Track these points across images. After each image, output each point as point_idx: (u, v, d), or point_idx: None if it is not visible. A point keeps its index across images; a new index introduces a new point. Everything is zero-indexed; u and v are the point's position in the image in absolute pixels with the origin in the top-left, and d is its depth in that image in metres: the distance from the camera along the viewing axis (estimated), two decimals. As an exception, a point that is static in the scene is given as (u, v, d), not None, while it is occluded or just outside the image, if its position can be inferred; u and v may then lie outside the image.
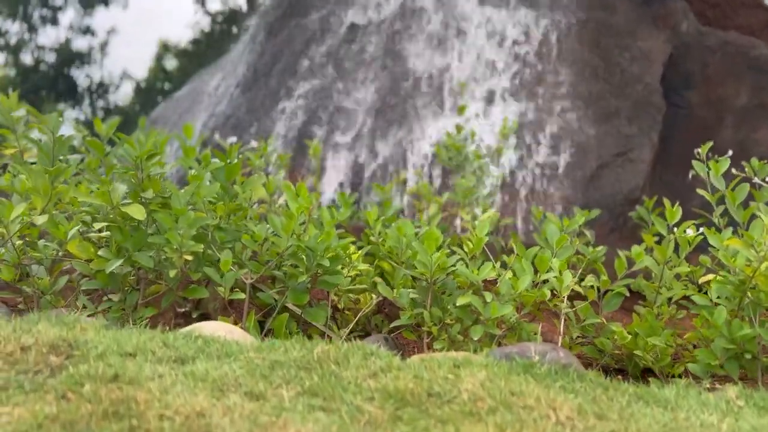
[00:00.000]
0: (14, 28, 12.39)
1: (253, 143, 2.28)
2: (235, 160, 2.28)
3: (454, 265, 1.84)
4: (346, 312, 2.31)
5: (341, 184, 5.23)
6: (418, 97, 5.59)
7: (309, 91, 5.87)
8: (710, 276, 2.36)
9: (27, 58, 12.24)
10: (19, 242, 1.90)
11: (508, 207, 4.67)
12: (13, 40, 12.20)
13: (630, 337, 1.98)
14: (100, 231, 1.85)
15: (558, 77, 5.79)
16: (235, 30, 15.54)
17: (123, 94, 15.06)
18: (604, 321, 2.06)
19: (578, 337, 2.19)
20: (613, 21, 6.19)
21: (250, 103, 6.02)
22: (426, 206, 2.80)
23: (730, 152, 2.93)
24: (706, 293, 2.22)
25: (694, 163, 2.71)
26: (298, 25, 6.47)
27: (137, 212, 1.76)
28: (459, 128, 2.83)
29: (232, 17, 15.59)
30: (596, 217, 5.18)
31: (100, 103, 12.57)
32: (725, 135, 5.88)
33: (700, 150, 2.75)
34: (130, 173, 1.89)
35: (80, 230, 1.93)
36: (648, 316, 2.11)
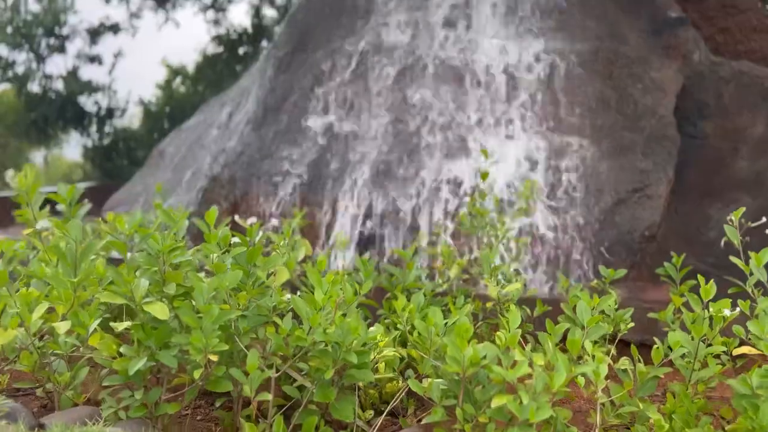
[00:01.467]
0: (21, 57, 12.49)
1: (274, 221, 2.25)
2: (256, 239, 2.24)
3: (485, 357, 1.78)
4: (370, 391, 2.25)
5: (354, 225, 5.18)
6: (429, 135, 5.55)
7: (320, 129, 5.84)
8: (745, 348, 2.29)
9: (35, 87, 12.32)
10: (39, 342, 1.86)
11: (524, 249, 4.61)
12: (20, 69, 12.30)
13: (667, 426, 1.91)
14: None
15: (571, 110, 5.74)
16: (242, 50, 15.58)
17: (131, 116, 15.15)
18: (641, 406, 1.99)
19: (612, 426, 2.13)
20: (625, 50, 6.16)
21: (260, 141, 6.00)
22: (446, 267, 2.75)
23: (764, 219, 2.86)
24: (741, 371, 2.15)
25: (727, 228, 2.63)
26: (307, 60, 6.45)
27: (160, 312, 1.72)
28: (483, 194, 2.78)
29: (239, 40, 15.65)
30: (614, 254, 5.13)
31: (108, 129, 12.62)
32: (741, 166, 5.82)
33: (732, 216, 2.67)
34: (152, 269, 1.85)
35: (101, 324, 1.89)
36: (684, 398, 2.04)
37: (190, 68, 20.47)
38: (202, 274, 2.06)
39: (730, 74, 5.89)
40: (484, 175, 2.84)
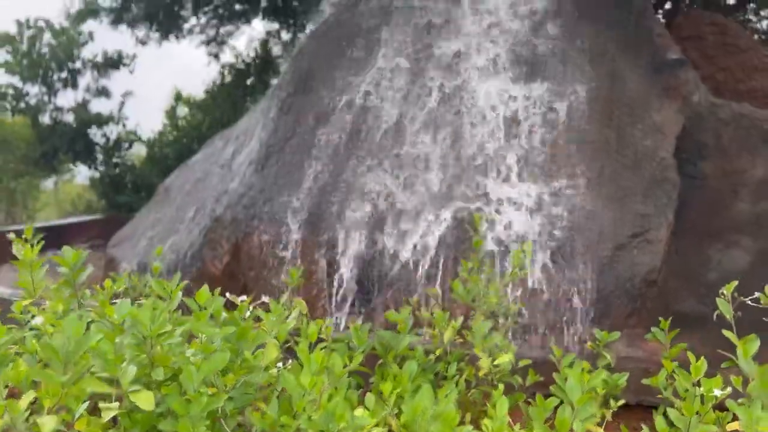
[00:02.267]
0: (34, 90, 12.73)
1: (264, 298, 2.26)
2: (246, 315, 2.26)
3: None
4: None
5: (352, 273, 5.20)
6: (428, 179, 5.59)
7: (321, 172, 5.89)
8: (736, 424, 2.28)
9: (45, 119, 12.52)
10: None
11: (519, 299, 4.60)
12: (32, 101, 12.51)
13: None
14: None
15: (571, 153, 5.76)
16: (249, 81, 15.75)
17: (139, 146, 15.30)
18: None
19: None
20: (625, 92, 6.20)
21: (263, 182, 6.05)
22: (440, 330, 2.75)
23: (756, 294, 2.84)
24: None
25: (719, 302, 2.63)
26: (310, 101, 6.54)
27: (146, 402, 1.74)
28: (476, 261, 2.79)
29: (246, 71, 15.84)
30: (614, 300, 5.10)
31: (116, 159, 12.78)
32: (741, 208, 5.82)
33: (725, 290, 2.66)
34: (140, 355, 1.87)
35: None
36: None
37: (198, 95, 20.73)
38: (190, 352, 2.07)
39: (730, 116, 5.91)
40: (477, 243, 2.87)
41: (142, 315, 1.92)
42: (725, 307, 2.59)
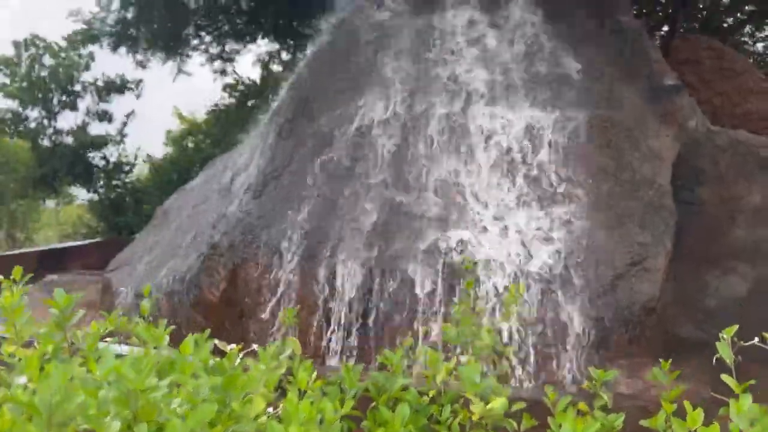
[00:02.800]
0: (33, 114, 12.78)
1: (254, 346, 2.24)
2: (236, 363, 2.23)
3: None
4: None
5: (349, 302, 5.17)
6: (426, 207, 5.58)
7: (319, 199, 5.88)
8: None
9: (45, 141, 12.55)
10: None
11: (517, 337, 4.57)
12: (32, 125, 12.56)
13: None
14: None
15: (569, 179, 5.76)
16: (250, 102, 15.80)
17: (140, 167, 15.34)
18: None
19: None
20: (622, 118, 6.21)
21: (260, 209, 6.05)
22: (434, 372, 2.71)
23: (756, 340, 2.80)
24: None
25: (719, 345, 2.59)
26: (307, 128, 6.55)
27: (128, 462, 1.71)
28: (467, 302, 2.78)
29: (247, 92, 15.89)
30: (613, 329, 5.06)
31: (116, 182, 12.79)
32: (738, 234, 5.80)
33: (725, 334, 2.63)
34: (124, 412, 1.85)
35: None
36: None
37: (199, 116, 20.79)
38: (176, 402, 2.04)
39: (727, 143, 5.91)
40: (469, 284, 2.84)
41: (125, 369, 1.90)
42: (725, 351, 2.55)
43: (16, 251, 9.80)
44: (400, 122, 6.25)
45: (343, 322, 5.38)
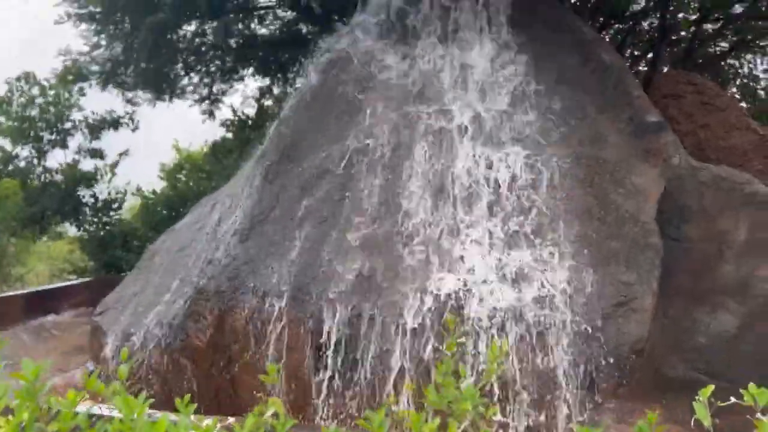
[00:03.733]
0: (24, 153, 12.81)
1: (230, 420, 2.19)
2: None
3: None
4: None
5: (335, 347, 5.13)
6: (410, 250, 5.57)
7: (305, 243, 5.87)
8: None
9: (35, 180, 12.53)
10: None
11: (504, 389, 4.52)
12: (22, 164, 12.57)
13: None
14: None
15: (553, 219, 5.76)
16: (243, 137, 15.81)
17: (130, 203, 15.30)
18: None
19: None
20: (606, 155, 6.24)
21: (246, 253, 6.02)
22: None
23: (732, 399, 2.77)
24: None
25: (696, 406, 2.56)
26: (294, 170, 6.56)
27: None
28: (448, 364, 2.73)
29: (240, 127, 15.92)
30: (601, 372, 5.02)
31: (105, 219, 12.76)
32: (726, 271, 5.79)
33: (701, 396, 2.60)
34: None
35: None
36: None
37: (193, 149, 20.82)
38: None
39: (710, 179, 5.94)
40: (450, 346, 2.80)
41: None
42: (702, 413, 2.52)
43: (4, 294, 9.72)
44: (384, 163, 6.27)
45: (330, 366, 5.33)
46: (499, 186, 5.99)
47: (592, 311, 5.06)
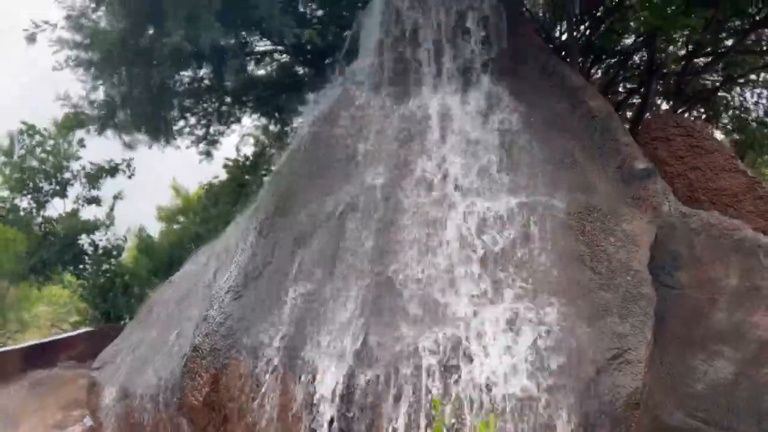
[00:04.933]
0: (23, 204, 12.94)
1: None
2: None
3: None
4: None
5: (329, 406, 5.12)
6: (405, 302, 5.59)
7: (299, 299, 5.90)
8: None
9: (35, 230, 12.63)
10: None
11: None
12: (21, 214, 12.67)
13: None
14: None
15: (545, 269, 5.79)
16: (242, 178, 15.92)
17: (129, 248, 15.34)
18: None
19: None
20: (596, 203, 6.28)
21: (241, 311, 6.05)
22: None
23: None
24: None
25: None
26: (288, 224, 6.62)
27: None
28: (439, 428, 2.73)
29: (238, 168, 16.03)
30: (597, 426, 4.99)
31: (105, 266, 12.81)
32: (720, 317, 5.79)
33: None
34: None
35: None
36: None
37: (192, 190, 20.93)
38: None
39: (700, 226, 5.97)
40: (438, 429, 2.79)
41: None
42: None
43: (3, 349, 9.73)
44: (378, 216, 6.32)
45: (326, 425, 5.31)
46: (491, 236, 6.02)
47: (587, 364, 5.05)
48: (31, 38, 9.08)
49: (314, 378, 5.36)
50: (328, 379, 5.33)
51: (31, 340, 17.15)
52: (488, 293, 5.61)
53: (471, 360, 5.11)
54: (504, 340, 5.21)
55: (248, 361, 5.76)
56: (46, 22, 9.23)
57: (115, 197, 13.41)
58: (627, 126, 14.52)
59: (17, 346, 9.63)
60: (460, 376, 5.03)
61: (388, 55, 7.95)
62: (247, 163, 15.70)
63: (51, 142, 13.19)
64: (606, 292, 5.58)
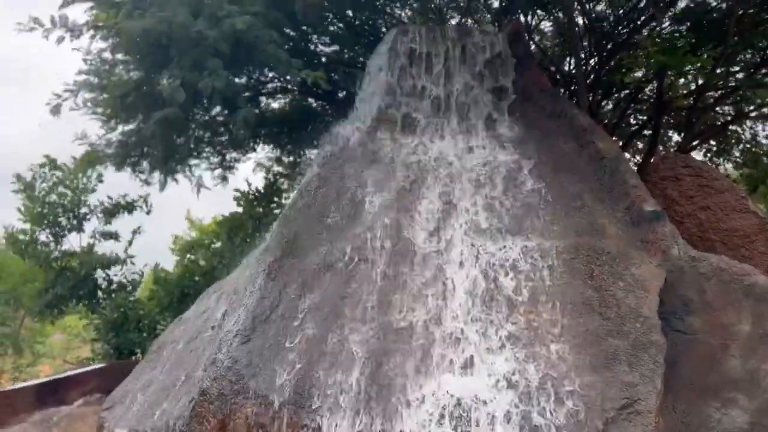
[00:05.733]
0: (42, 237, 13.12)
1: None
2: None
3: None
4: None
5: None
6: (413, 351, 5.57)
7: (306, 344, 5.89)
8: None
9: (52, 264, 12.80)
10: None
11: None
12: (40, 248, 12.87)
13: None
14: None
15: (553, 315, 5.75)
16: (255, 211, 15.98)
17: (144, 283, 15.43)
18: None
19: None
20: (605, 246, 6.25)
21: (248, 356, 6.05)
22: None
23: None
24: None
25: None
26: (296, 267, 6.65)
27: None
28: None
29: (253, 199, 16.11)
30: (607, 480, 4.89)
31: (119, 301, 12.90)
32: (734, 364, 5.70)
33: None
34: None
35: None
36: None
37: (206, 222, 21.09)
38: None
39: (710, 270, 5.92)
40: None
41: None
42: None
43: (14, 387, 9.79)
44: (384, 260, 6.34)
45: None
46: (497, 281, 6.01)
47: (595, 416, 4.98)
48: (56, 110, 9.36)
49: (319, 427, 5.33)
50: (334, 428, 5.29)
51: (43, 372, 17.30)
52: (493, 340, 5.57)
53: (476, 410, 5.06)
54: (507, 395, 5.15)
55: (255, 408, 5.73)
56: (70, 91, 9.53)
57: (134, 232, 13.57)
58: (640, 158, 14.54)
59: (28, 384, 9.70)
60: (465, 428, 4.98)
61: (394, 96, 8.05)
62: (259, 195, 15.81)
63: (71, 177, 13.42)
64: (615, 339, 5.52)
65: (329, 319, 6.06)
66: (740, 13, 9.23)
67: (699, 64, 9.13)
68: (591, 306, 5.78)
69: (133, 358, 12.45)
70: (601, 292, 5.88)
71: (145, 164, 12.67)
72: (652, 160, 8.35)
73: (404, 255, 6.38)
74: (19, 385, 9.84)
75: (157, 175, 13.14)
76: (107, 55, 9.90)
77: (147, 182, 13.37)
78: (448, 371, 5.41)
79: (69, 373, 10.50)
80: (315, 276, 6.45)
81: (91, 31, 9.11)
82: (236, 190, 15.89)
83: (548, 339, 5.54)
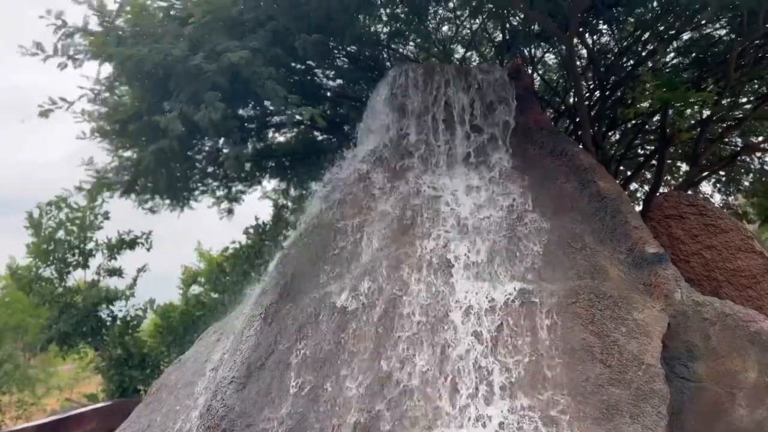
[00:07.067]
0: (46, 274, 13.14)
1: None
2: None
3: None
4: None
5: None
6: (406, 400, 5.45)
7: (301, 392, 5.80)
8: None
9: (56, 301, 12.80)
10: None
11: None
12: (44, 284, 12.89)
13: None
14: None
15: (552, 364, 5.61)
16: (261, 244, 15.96)
17: (148, 320, 15.35)
18: None
19: None
20: (606, 289, 6.11)
21: (242, 404, 5.96)
22: None
23: None
24: None
25: None
26: (292, 310, 6.58)
27: None
28: None
29: (260, 232, 16.10)
30: None
31: (122, 339, 12.84)
32: (741, 413, 5.51)
33: None
34: None
35: None
36: None
37: (213, 255, 21.07)
38: None
39: (714, 315, 5.76)
40: None
41: None
42: None
43: (15, 428, 9.72)
44: (381, 304, 6.25)
45: None
46: (496, 326, 5.89)
47: (596, 472, 4.81)
48: (44, 114, 9.39)
49: (314, 480, 5.20)
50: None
51: (50, 406, 17.18)
52: (491, 389, 5.44)
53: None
54: (509, 442, 5.01)
55: (249, 459, 5.63)
56: (63, 99, 9.57)
57: (139, 270, 13.58)
58: (647, 188, 14.36)
59: (30, 425, 9.64)
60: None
61: (393, 135, 8.04)
62: (266, 228, 15.79)
63: (79, 214, 13.48)
64: (616, 388, 5.37)
65: (325, 367, 5.96)
66: (740, 49, 9.16)
67: (701, 99, 9.03)
68: (592, 353, 5.63)
69: (137, 395, 12.33)
70: (602, 337, 5.73)
71: (149, 193, 12.70)
72: (656, 197, 8.22)
73: (401, 299, 6.28)
74: (19, 426, 9.76)
75: (162, 204, 13.16)
76: (105, 81, 9.96)
77: (153, 211, 13.39)
78: (446, 421, 5.27)
79: (70, 412, 10.41)
80: (311, 321, 6.37)
81: (88, 55, 9.16)
82: (247, 227, 15.93)
83: (546, 388, 5.39)
